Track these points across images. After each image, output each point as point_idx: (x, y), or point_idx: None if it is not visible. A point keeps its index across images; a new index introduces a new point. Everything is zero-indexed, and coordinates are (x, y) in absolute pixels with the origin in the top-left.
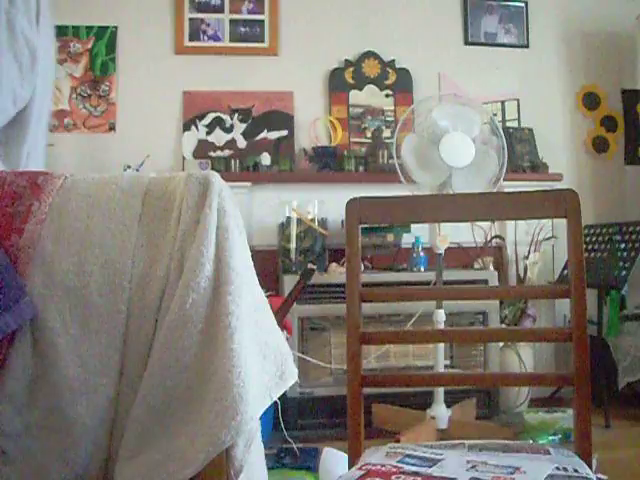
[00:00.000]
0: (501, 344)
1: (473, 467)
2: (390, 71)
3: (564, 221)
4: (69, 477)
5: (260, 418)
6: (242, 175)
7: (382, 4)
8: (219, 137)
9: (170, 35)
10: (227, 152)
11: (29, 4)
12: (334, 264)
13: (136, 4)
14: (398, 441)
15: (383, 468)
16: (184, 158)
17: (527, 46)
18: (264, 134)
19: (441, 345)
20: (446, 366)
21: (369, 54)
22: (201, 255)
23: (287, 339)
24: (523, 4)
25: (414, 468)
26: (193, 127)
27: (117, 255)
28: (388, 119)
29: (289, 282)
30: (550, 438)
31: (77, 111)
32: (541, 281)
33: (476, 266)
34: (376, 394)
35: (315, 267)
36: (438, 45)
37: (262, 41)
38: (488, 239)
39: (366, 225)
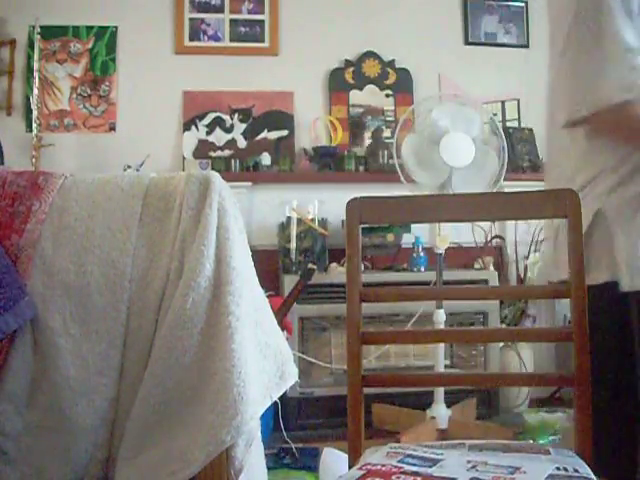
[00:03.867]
0: (501, 344)
1: (473, 467)
2: (390, 71)
3: (564, 221)
4: (69, 477)
5: (260, 418)
6: (242, 175)
7: (382, 4)
8: (219, 137)
9: (170, 35)
10: (227, 152)
11: None
12: (334, 264)
13: (136, 4)
14: (398, 441)
15: (383, 468)
16: (184, 158)
17: (527, 46)
18: (264, 134)
19: (441, 345)
20: (446, 366)
21: (369, 54)
22: (201, 255)
23: (287, 339)
24: (523, 4)
25: (414, 468)
26: (193, 127)
27: (117, 255)
28: (388, 119)
29: (289, 282)
30: (550, 438)
31: (77, 111)
32: (541, 281)
33: (476, 266)
34: (376, 394)
35: (315, 267)
36: (438, 45)
37: (262, 41)
38: (488, 239)
39: (366, 225)
